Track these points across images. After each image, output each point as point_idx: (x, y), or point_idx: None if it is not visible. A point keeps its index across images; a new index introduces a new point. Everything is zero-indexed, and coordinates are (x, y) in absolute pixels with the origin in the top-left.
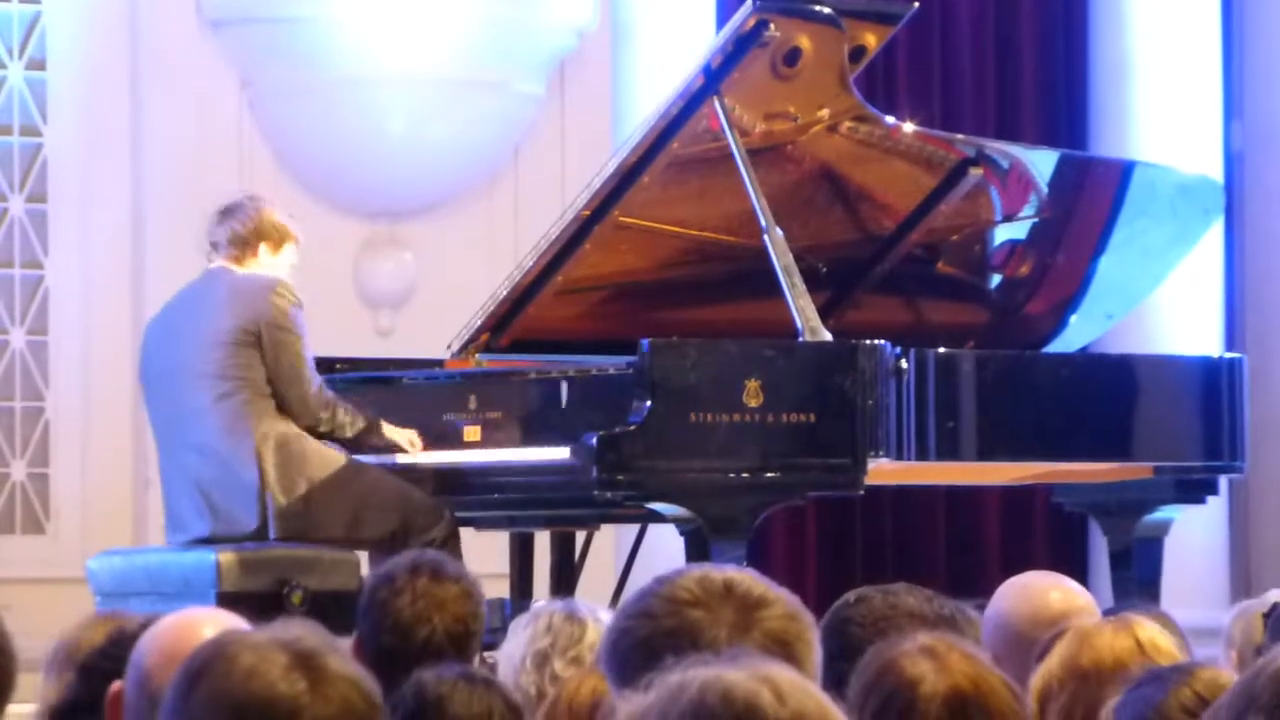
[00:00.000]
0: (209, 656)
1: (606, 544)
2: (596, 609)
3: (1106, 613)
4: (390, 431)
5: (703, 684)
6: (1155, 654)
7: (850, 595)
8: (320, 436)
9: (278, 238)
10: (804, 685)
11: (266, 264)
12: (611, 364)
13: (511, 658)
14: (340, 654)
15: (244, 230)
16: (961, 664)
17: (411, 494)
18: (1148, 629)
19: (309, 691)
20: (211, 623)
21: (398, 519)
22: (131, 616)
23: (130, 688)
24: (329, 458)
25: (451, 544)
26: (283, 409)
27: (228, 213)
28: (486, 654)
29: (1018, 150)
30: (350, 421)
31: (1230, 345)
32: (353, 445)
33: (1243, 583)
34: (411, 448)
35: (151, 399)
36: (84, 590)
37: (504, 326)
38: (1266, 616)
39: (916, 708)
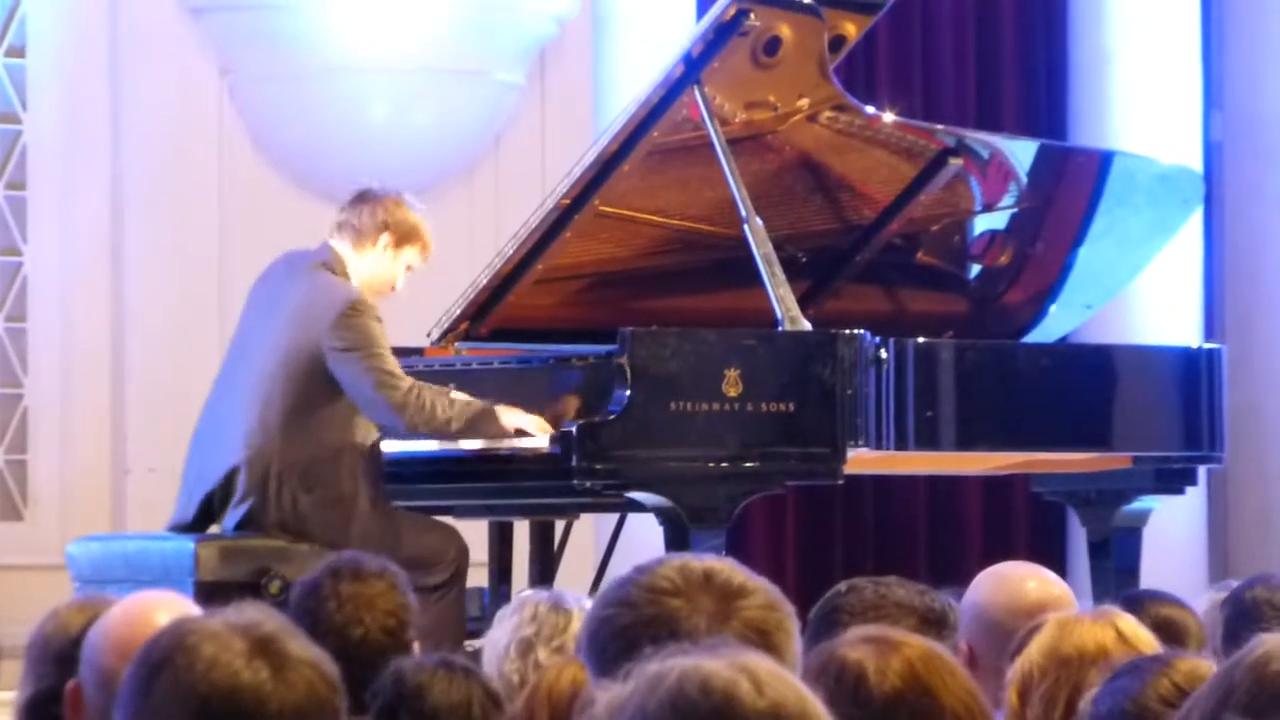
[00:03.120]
0: (168, 648)
1: (586, 533)
2: (582, 598)
3: (1127, 598)
4: (509, 417)
5: (681, 674)
6: (1137, 643)
7: (843, 585)
8: (414, 428)
9: (402, 234)
10: (782, 675)
11: (382, 257)
12: (592, 353)
13: (496, 645)
14: (298, 637)
15: (369, 221)
16: (906, 642)
17: (405, 546)
18: (1127, 620)
19: (272, 678)
20: (163, 609)
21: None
22: (110, 603)
23: (88, 684)
24: (334, 534)
25: (456, 586)
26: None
27: (363, 198)
28: (468, 642)
29: (997, 140)
30: (457, 415)
31: (1209, 335)
32: (465, 435)
33: (1221, 572)
34: (541, 433)
35: (225, 365)
36: (63, 576)
37: (484, 315)
38: (1222, 606)
39: (868, 683)
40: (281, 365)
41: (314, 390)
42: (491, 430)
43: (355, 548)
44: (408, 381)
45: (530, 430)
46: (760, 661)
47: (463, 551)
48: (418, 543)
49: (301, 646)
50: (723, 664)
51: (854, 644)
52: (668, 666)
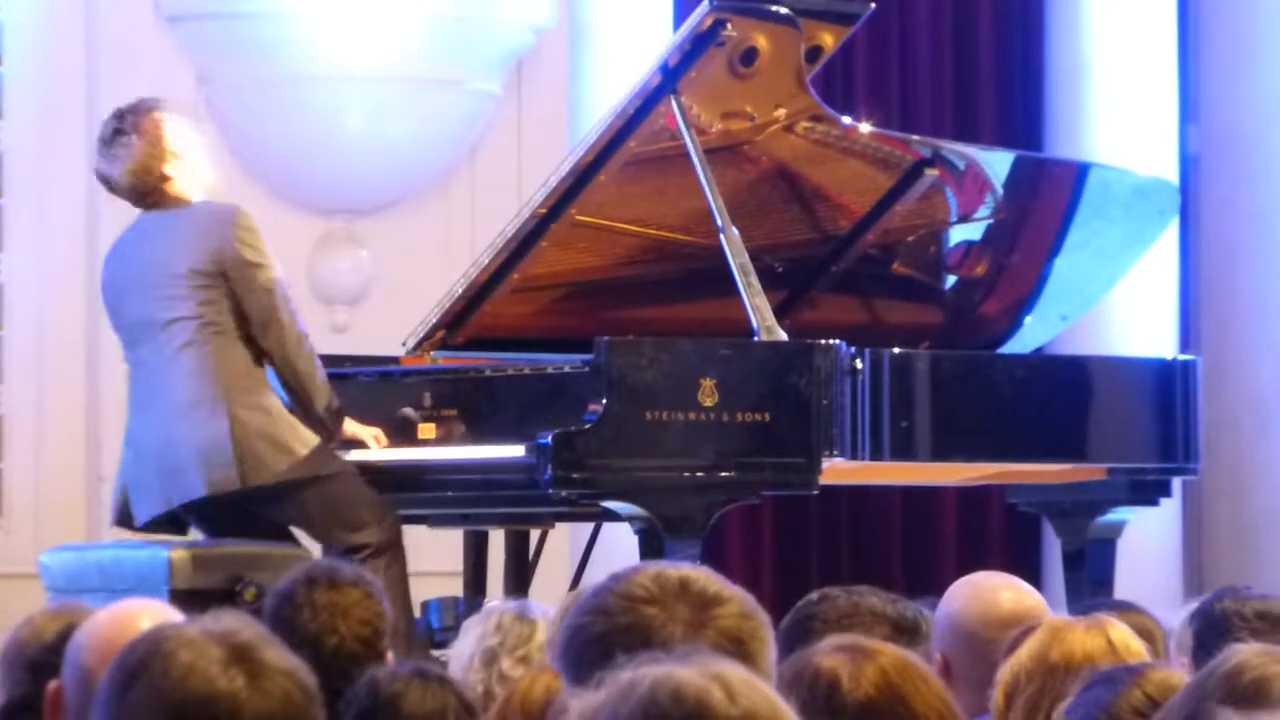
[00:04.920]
0: (144, 654)
1: (561, 542)
2: (549, 610)
3: (1087, 608)
4: (352, 427)
5: (654, 681)
6: (1126, 654)
7: (815, 594)
8: (295, 391)
9: (164, 147)
10: (755, 683)
11: (181, 169)
12: (567, 362)
13: (461, 655)
14: (275, 645)
15: (143, 179)
16: (880, 650)
17: (356, 493)
18: (1120, 629)
19: (248, 687)
20: (147, 615)
21: (330, 513)
22: (84, 611)
23: (70, 686)
24: (299, 436)
25: (393, 552)
26: (260, 354)
27: (111, 165)
28: (438, 652)
29: (974, 151)
30: (329, 393)
31: (1184, 347)
32: (319, 418)
33: (1196, 584)
34: (376, 444)
35: (125, 351)
36: (37, 585)
37: (460, 324)
38: (1192, 619)
39: (841, 691)
40: (192, 298)
41: (225, 310)
42: (334, 431)
43: (323, 488)
44: (298, 317)
45: (366, 441)
46: (733, 670)
47: (398, 521)
48: (365, 491)
49: (278, 655)
50: (695, 672)
51: (828, 652)
52: (640, 674)
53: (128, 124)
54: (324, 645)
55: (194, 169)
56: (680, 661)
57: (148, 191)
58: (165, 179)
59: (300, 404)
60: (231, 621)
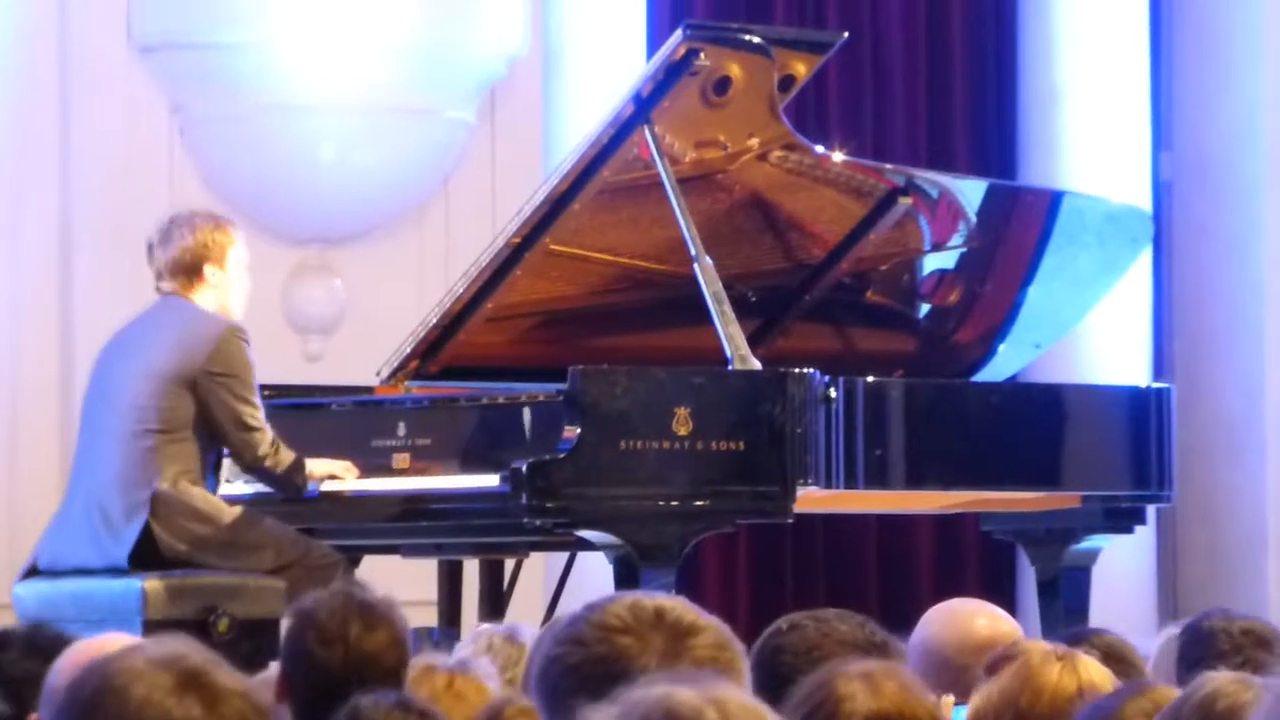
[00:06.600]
0: (96, 689)
1: (536, 571)
2: (537, 632)
3: (1065, 637)
4: (318, 467)
5: (651, 702)
6: (1093, 698)
7: (783, 622)
8: (261, 471)
9: (220, 253)
10: (752, 706)
11: (218, 283)
12: (542, 391)
13: None
14: (225, 667)
15: (184, 257)
16: (893, 691)
17: (302, 553)
18: (1091, 670)
19: (205, 715)
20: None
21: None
22: (62, 640)
23: (47, 716)
24: (220, 510)
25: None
26: (214, 447)
27: (165, 240)
28: None
29: (947, 179)
30: (288, 457)
31: (1158, 374)
32: (287, 482)
33: (1170, 611)
34: (349, 474)
35: (83, 415)
36: (10, 616)
37: (434, 353)
38: (1179, 636)
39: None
40: (158, 392)
41: (188, 414)
42: (301, 481)
43: (260, 549)
44: (270, 433)
45: (339, 474)
46: (730, 692)
47: (343, 569)
48: (317, 546)
49: (230, 677)
50: (693, 693)
51: (851, 677)
52: (639, 695)
53: (207, 219)
54: (345, 687)
55: (228, 295)
56: (679, 682)
57: (180, 272)
58: (200, 278)
59: (274, 487)
60: (176, 645)
